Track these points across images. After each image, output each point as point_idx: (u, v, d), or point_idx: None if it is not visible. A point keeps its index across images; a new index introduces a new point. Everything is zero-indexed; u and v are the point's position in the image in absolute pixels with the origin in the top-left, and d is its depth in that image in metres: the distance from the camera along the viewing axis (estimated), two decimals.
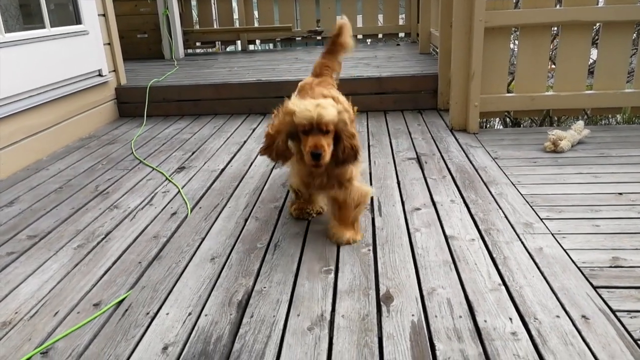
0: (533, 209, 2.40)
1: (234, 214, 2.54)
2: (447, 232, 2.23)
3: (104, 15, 4.64)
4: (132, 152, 3.66)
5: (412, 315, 1.68)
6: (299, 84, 2.58)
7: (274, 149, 2.05)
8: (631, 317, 1.61)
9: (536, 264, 1.94)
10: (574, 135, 3.28)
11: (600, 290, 1.75)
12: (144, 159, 3.48)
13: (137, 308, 1.80)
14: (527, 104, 3.73)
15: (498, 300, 1.73)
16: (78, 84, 4.15)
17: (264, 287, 1.88)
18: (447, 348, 1.52)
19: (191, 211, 2.60)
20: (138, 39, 6.76)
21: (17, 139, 3.46)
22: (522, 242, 2.10)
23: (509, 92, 3.94)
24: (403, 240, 2.19)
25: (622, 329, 1.56)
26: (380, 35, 7.64)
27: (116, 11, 4.87)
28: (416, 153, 3.33)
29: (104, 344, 1.62)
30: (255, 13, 7.71)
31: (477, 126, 3.73)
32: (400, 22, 7.65)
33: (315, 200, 2.44)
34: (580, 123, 3.41)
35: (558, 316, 1.63)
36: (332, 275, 1.94)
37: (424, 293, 1.80)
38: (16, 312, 1.82)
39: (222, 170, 3.21)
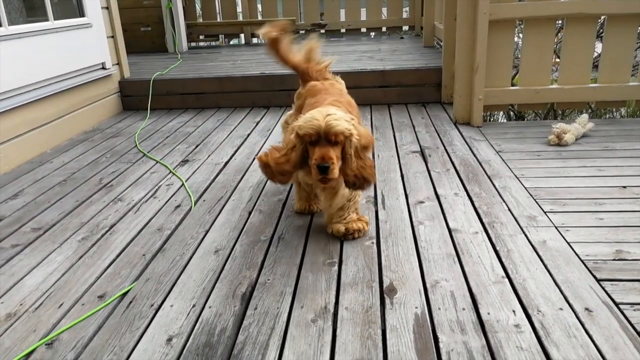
0: (537, 202, 2.40)
1: (238, 207, 2.55)
2: (451, 225, 2.23)
3: (107, 8, 4.63)
4: (136, 145, 3.66)
5: (416, 307, 1.68)
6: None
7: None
8: (634, 310, 1.61)
9: (539, 256, 1.94)
10: (578, 128, 3.27)
11: (603, 283, 1.75)
12: (148, 152, 3.49)
13: (141, 300, 1.81)
14: (532, 97, 3.72)
15: (501, 292, 1.73)
16: (81, 77, 4.16)
17: (268, 280, 1.89)
18: (451, 340, 1.52)
19: (195, 204, 2.61)
20: (141, 32, 6.75)
21: (21, 132, 3.46)
22: (525, 235, 2.10)
23: (513, 85, 3.92)
24: (407, 233, 2.19)
25: (625, 321, 1.56)
26: (384, 29, 7.61)
27: (119, 4, 4.86)
28: (420, 146, 3.33)
29: (108, 335, 1.63)
30: (259, 6, 7.68)
31: (481, 119, 3.71)
32: (404, 15, 7.62)
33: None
34: (585, 116, 3.40)
35: (561, 309, 1.63)
36: (336, 267, 1.94)
37: (428, 286, 1.80)
38: (21, 304, 1.83)
39: (226, 163, 3.21)
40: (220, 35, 7.76)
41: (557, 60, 4.95)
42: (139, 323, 1.68)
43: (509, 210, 2.34)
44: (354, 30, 7.61)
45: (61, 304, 1.81)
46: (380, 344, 1.52)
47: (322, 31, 7.53)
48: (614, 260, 1.89)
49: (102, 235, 2.32)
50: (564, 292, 1.72)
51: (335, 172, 1.83)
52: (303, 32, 7.53)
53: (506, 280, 1.81)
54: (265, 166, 1.95)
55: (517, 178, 2.69)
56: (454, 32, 3.75)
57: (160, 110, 4.72)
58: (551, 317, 1.60)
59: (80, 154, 3.56)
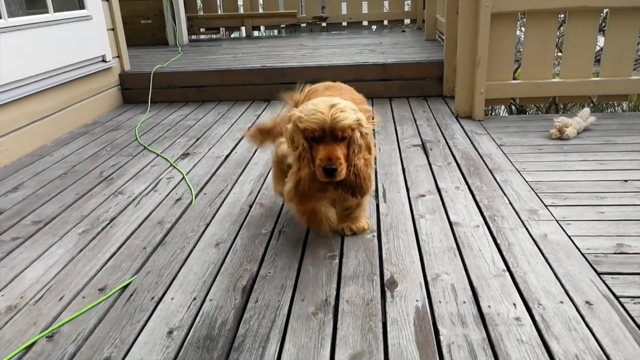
0: (538, 195, 2.40)
1: (239, 200, 2.54)
2: (452, 219, 2.23)
3: (107, 0, 4.61)
4: (137, 138, 3.66)
5: (417, 300, 1.68)
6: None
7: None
8: (635, 303, 1.61)
9: (540, 250, 1.94)
10: (580, 122, 3.26)
11: (604, 277, 1.75)
12: (148, 145, 3.48)
13: (142, 293, 1.81)
14: (533, 91, 3.70)
15: (502, 286, 1.73)
16: (82, 70, 4.14)
17: (269, 273, 1.89)
18: (451, 333, 1.52)
19: (196, 197, 2.60)
20: (142, 25, 6.73)
21: (21, 125, 3.46)
22: (526, 229, 2.10)
23: (514, 79, 3.91)
24: (407, 226, 2.18)
25: (625, 314, 1.56)
26: (385, 22, 7.58)
27: None
28: (421, 140, 3.32)
29: (109, 328, 1.63)
30: None
31: (482, 113, 3.70)
32: (406, 9, 7.59)
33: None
34: (586, 110, 3.39)
35: (562, 302, 1.63)
36: (337, 260, 1.94)
37: (428, 279, 1.80)
38: (21, 297, 1.83)
39: (227, 156, 3.21)
40: (221, 28, 7.74)
41: (559, 54, 4.93)
42: (140, 316, 1.68)
43: (510, 203, 2.34)
44: (355, 24, 7.58)
45: (62, 297, 1.81)
46: (380, 337, 1.52)
47: (324, 24, 7.50)
48: (615, 253, 1.89)
49: (103, 229, 2.32)
50: (564, 285, 1.72)
51: (343, 172, 1.69)
52: (304, 25, 7.52)
53: (507, 273, 1.80)
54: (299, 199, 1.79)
55: (519, 172, 2.69)
56: (455, 26, 3.73)
57: (160, 103, 4.71)
58: (552, 310, 1.60)
59: (80, 147, 3.56)
